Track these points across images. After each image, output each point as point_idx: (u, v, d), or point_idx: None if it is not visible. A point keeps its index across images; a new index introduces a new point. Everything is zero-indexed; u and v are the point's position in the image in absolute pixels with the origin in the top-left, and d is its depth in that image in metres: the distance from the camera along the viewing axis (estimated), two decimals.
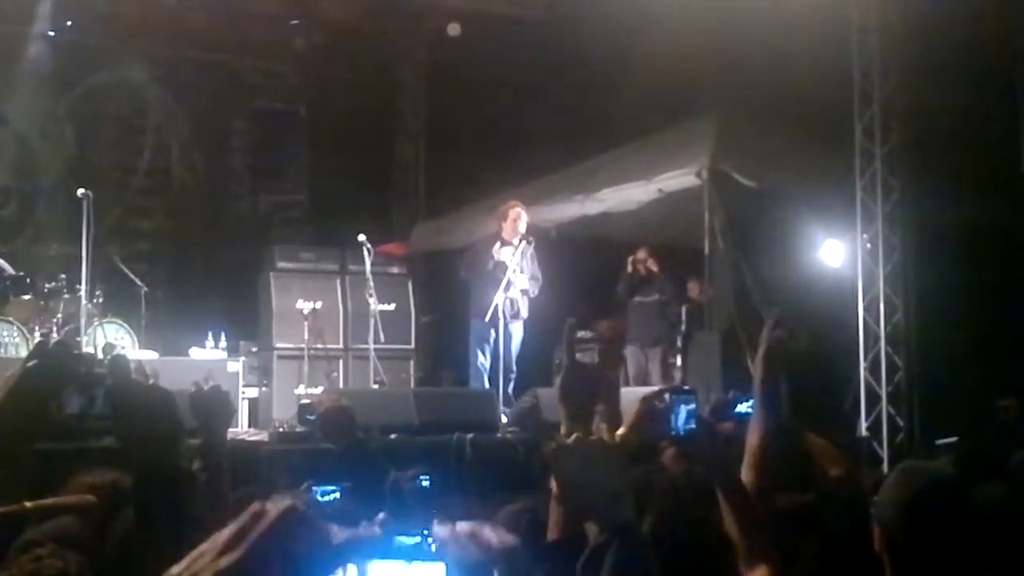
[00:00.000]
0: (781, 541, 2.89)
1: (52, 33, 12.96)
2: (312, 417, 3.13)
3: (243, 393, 10.59)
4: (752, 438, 3.16)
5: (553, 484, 2.27)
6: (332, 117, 14.77)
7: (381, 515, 1.86)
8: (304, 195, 15.24)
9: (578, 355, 2.97)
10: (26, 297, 10.90)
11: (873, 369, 11.09)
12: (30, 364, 2.19)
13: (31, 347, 10.30)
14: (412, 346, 12.12)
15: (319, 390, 10.78)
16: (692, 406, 2.75)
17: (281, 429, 9.16)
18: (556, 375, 12.39)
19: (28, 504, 3.81)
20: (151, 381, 2.09)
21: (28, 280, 10.99)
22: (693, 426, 2.76)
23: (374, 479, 3.48)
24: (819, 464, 4.86)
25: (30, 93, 13.09)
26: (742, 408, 3.24)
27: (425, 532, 1.94)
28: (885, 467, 10.06)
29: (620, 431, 2.70)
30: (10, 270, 10.90)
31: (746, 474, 3.01)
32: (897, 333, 11.15)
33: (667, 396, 2.77)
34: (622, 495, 2.17)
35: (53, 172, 13.43)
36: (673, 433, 2.76)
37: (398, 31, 14.67)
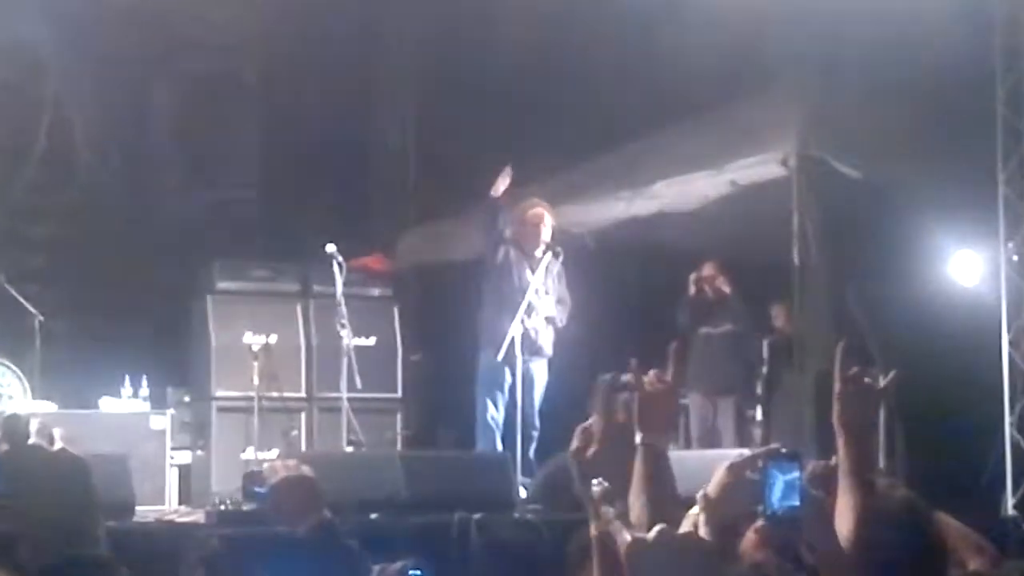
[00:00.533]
0: None
1: None
2: (261, 490, 3.11)
3: (171, 458, 10.62)
4: (844, 522, 3.18)
5: None
6: (291, 86, 14.81)
7: None
8: (253, 191, 15.27)
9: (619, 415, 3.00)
10: None
11: (1022, 424, 11.03)
12: None
13: None
14: (399, 394, 12.15)
15: (273, 453, 10.78)
16: (794, 474, 2.75)
17: (223, 507, 9.16)
18: None
19: None
20: (59, 446, 2.10)
21: None
22: (795, 503, 2.75)
23: (346, 574, 3.47)
24: (954, 555, 4.81)
25: None
26: None
27: None
28: None
29: (693, 511, 2.71)
30: None
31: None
32: None
33: (760, 463, 2.77)
34: None
35: None
36: (768, 512, 2.76)
37: None
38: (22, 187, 14.02)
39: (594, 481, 2.64)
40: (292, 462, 3.57)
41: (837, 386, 3.34)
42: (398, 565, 3.84)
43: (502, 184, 10.69)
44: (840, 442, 3.33)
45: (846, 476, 3.29)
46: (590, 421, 2.98)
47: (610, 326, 12.17)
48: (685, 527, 2.75)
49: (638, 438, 3.16)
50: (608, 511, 2.44)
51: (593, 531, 2.77)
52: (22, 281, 12.58)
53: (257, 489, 3.41)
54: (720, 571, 2.22)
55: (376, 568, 4.21)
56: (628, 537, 2.19)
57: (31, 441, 2.21)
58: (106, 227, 14.23)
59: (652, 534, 2.22)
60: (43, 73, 14.10)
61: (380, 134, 15.65)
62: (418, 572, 3.66)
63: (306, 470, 3.54)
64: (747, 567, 3.30)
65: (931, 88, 11.22)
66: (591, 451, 2.81)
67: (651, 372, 3.25)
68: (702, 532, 2.69)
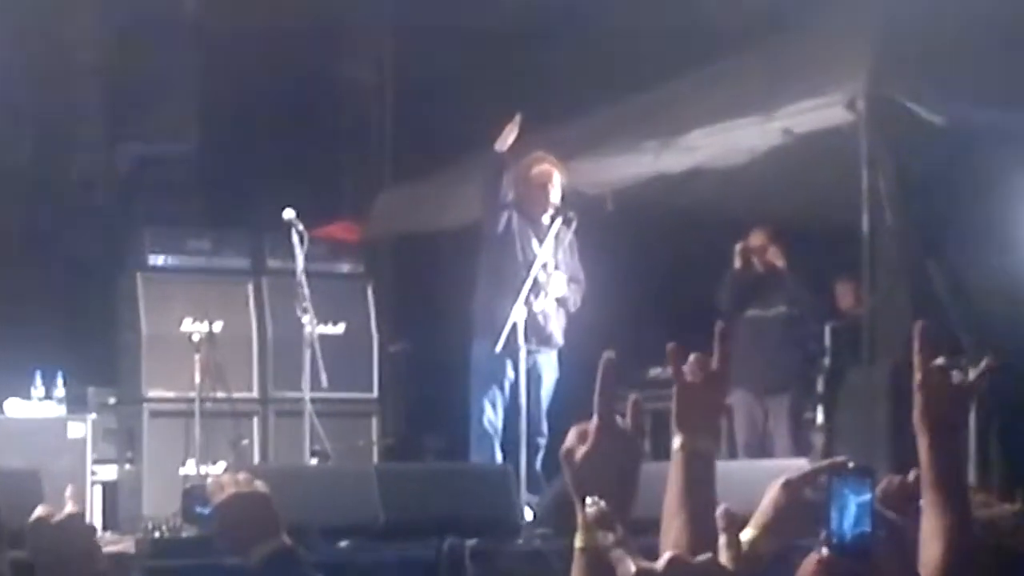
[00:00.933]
0: None
1: None
2: (205, 511, 3.08)
3: (94, 473, 10.67)
4: (933, 545, 3.19)
5: None
6: (237, 18, 14.82)
7: None
8: (191, 144, 15.31)
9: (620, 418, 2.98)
10: None
11: None
12: None
13: None
14: (374, 394, 12.22)
15: (219, 467, 10.84)
16: (866, 495, 2.74)
17: (156, 533, 9.16)
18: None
19: None
20: None
21: None
22: (867, 529, 2.74)
23: None
24: None
25: None
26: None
27: None
28: None
29: (746, 535, 2.69)
30: None
31: None
32: None
33: (824, 479, 2.75)
34: None
35: None
36: (834, 541, 2.75)
37: None
38: None
39: (588, 500, 2.62)
40: (243, 476, 3.55)
41: (918, 378, 3.30)
42: None
43: (509, 136, 10.67)
44: (923, 448, 3.30)
45: (931, 490, 3.27)
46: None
47: (634, 309, 12.21)
48: (724, 555, 2.73)
49: (677, 441, 3.15)
50: (606, 537, 2.42)
51: (579, 543, 2.77)
52: None
53: (199, 509, 3.39)
54: None
55: None
56: (632, 568, 2.17)
57: None
58: (11, 191, 14.27)
59: (661, 563, 2.20)
60: None
61: (349, 72, 15.71)
62: None
63: (260, 485, 3.53)
64: None
65: None
66: (580, 452, 2.79)
67: (692, 358, 3.24)
68: (727, 560, 2.68)
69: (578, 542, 2.74)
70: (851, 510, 2.72)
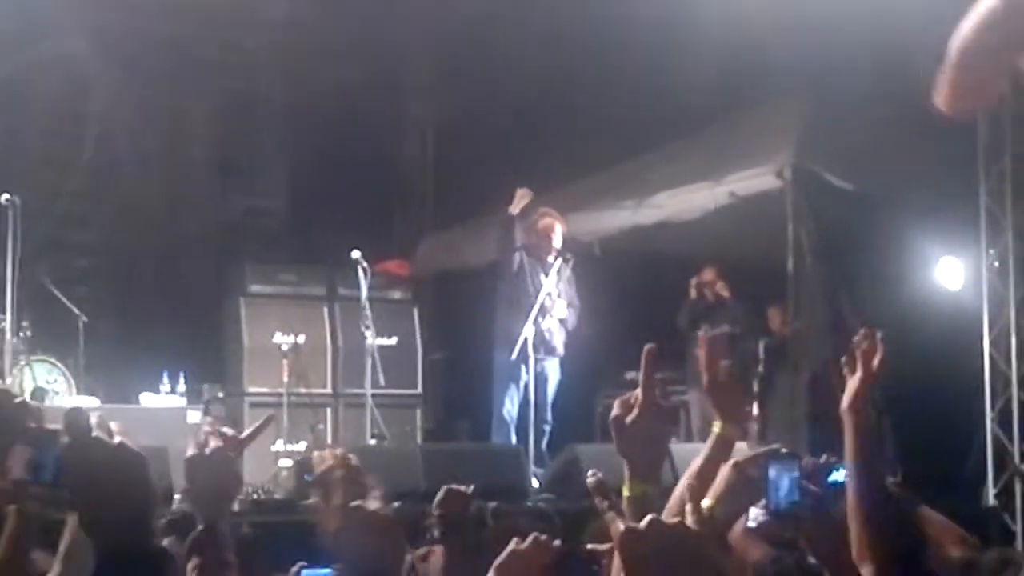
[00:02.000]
0: None
1: None
2: (310, 478, 3.12)
3: (208, 450, 10.60)
4: (855, 514, 3.19)
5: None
6: (316, 102, 14.82)
7: None
8: (282, 199, 15.30)
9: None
10: None
11: (1003, 420, 11.02)
12: None
13: None
14: (419, 390, 12.20)
15: (301, 446, 10.85)
16: (795, 474, 2.77)
17: (255, 495, 9.18)
18: (603, 424, 12.39)
19: None
20: (117, 440, 2.10)
21: None
22: (796, 499, 2.76)
23: (380, 557, 3.47)
24: (936, 545, 4.84)
25: None
26: (838, 476, 3.27)
27: None
28: (1020, 543, 10.02)
29: (705, 503, 2.70)
30: None
31: (864, 566, 3.03)
32: None
33: (763, 462, 2.77)
34: None
35: None
36: (772, 508, 2.77)
37: None
38: (70, 195, 14.06)
39: (589, 472, 2.62)
40: (340, 451, 3.54)
41: (861, 371, 3.39)
42: (294, 569, 3.81)
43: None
44: (848, 426, 3.34)
45: (851, 462, 3.30)
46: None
47: (615, 328, 12.19)
48: (690, 519, 2.71)
49: (717, 427, 3.14)
50: (602, 503, 2.43)
51: (626, 493, 2.71)
52: (69, 283, 12.66)
53: (306, 476, 3.41)
54: (714, 563, 2.19)
55: (412, 556, 4.28)
56: (622, 527, 2.19)
57: (93, 435, 2.23)
58: (146, 233, 14.27)
59: (644, 523, 2.20)
60: (88, 91, 14.13)
61: (401, 147, 15.71)
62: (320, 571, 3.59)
63: (352, 459, 3.53)
64: (747, 563, 3.30)
65: (917, 108, 11.15)
66: (627, 420, 2.77)
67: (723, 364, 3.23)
68: (692, 523, 2.66)
69: (626, 492, 2.72)
70: (784, 484, 2.75)
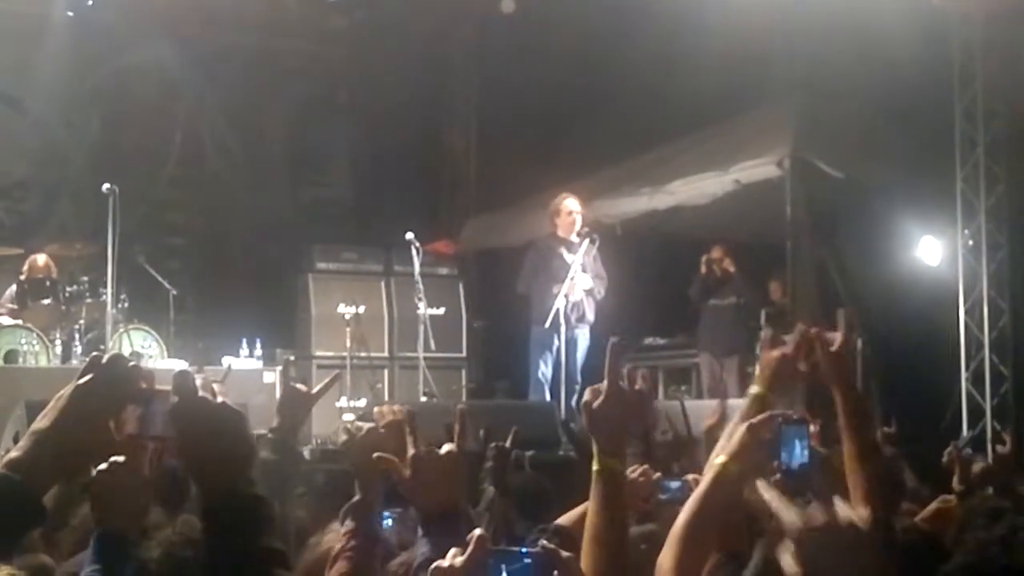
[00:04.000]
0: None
1: (71, 13, 13.09)
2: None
3: None
4: (855, 466, 3.16)
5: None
6: (375, 103, 14.81)
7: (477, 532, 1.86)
8: (345, 188, 15.33)
9: (640, 373, 2.92)
10: (46, 302, 11.01)
11: (976, 380, 10.96)
12: (83, 381, 2.22)
13: (52, 355, 10.49)
14: (464, 354, 12.16)
15: (362, 403, 10.87)
16: (805, 438, 2.70)
17: (324, 446, 9.20)
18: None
19: None
20: (220, 400, 2.10)
21: (48, 283, 11.14)
22: (806, 460, 2.70)
23: (449, 496, 3.44)
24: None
25: (51, 78, 13.24)
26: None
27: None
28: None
29: (719, 460, 2.65)
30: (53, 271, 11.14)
31: (860, 508, 2.99)
32: (1003, 340, 10.99)
33: (775, 424, 2.70)
34: None
35: (77, 163, 13.57)
36: (784, 468, 2.70)
37: (446, 7, 14.63)
38: (163, 182, 14.13)
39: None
40: (398, 407, 3.50)
41: (837, 346, 3.31)
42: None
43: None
44: (838, 396, 3.28)
45: (849, 424, 3.26)
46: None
47: (635, 299, 12.17)
48: (705, 475, 2.69)
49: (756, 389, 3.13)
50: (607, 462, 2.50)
51: (595, 466, 2.69)
52: (162, 260, 12.70)
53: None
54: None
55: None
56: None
57: (199, 395, 2.23)
58: (229, 216, 14.33)
59: (820, 522, 2.05)
60: (176, 93, 14.19)
61: (447, 142, 15.67)
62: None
63: (409, 412, 3.49)
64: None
65: (901, 103, 11.14)
66: (594, 405, 2.76)
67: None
68: (709, 478, 2.65)
69: (595, 465, 2.70)
70: (795, 447, 2.69)
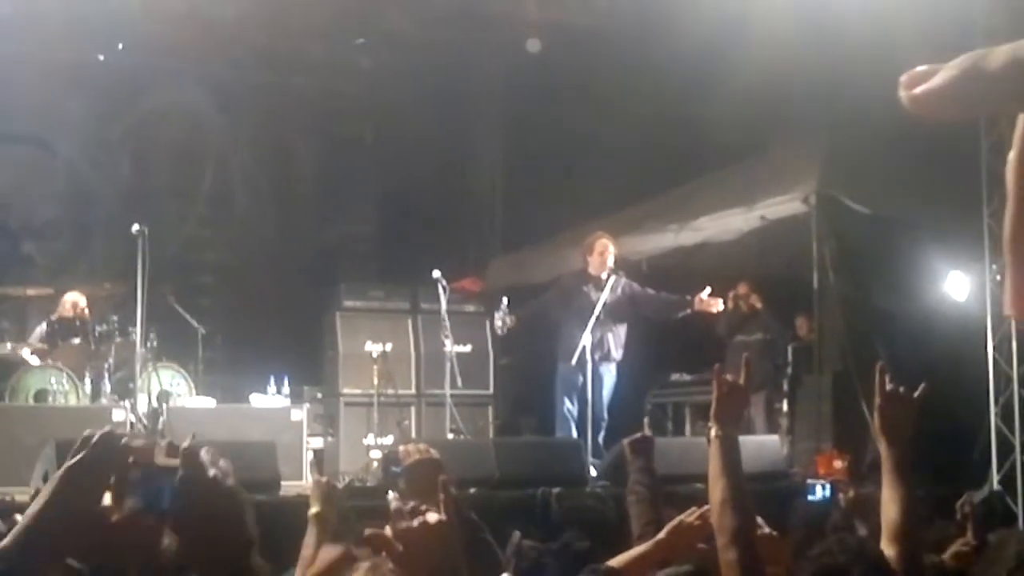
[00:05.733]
0: None
1: (102, 57, 13.24)
2: (397, 469, 3.06)
3: (308, 443, 10.58)
4: (891, 509, 3.18)
5: None
6: (401, 142, 14.90)
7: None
8: (372, 226, 15.39)
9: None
10: (75, 341, 11.10)
11: (1005, 415, 10.87)
12: (72, 461, 2.16)
13: (81, 394, 10.54)
14: (491, 391, 12.09)
15: (389, 439, 10.86)
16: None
17: (352, 484, 9.19)
18: (652, 420, 12.32)
19: None
20: (231, 482, 2.03)
21: (78, 323, 11.23)
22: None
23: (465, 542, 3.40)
24: None
25: (81, 121, 13.38)
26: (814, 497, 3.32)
27: None
28: (1021, 523, 9.87)
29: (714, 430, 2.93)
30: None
31: (888, 546, 3.01)
32: None
33: None
34: None
35: (107, 203, 13.70)
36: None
37: (471, 49, 14.71)
38: (193, 222, 14.24)
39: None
40: (423, 446, 3.46)
41: (878, 400, 3.28)
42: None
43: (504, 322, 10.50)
44: (883, 447, 3.27)
45: (890, 474, 3.24)
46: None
47: (661, 335, 12.15)
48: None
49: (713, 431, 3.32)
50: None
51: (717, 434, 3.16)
52: (194, 296, 12.79)
53: (394, 468, 3.36)
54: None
55: (518, 538, 4.28)
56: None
57: (210, 473, 2.18)
58: (258, 255, 14.44)
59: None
60: (204, 133, 14.31)
61: (473, 182, 15.75)
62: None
63: (434, 453, 3.47)
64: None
65: (928, 138, 11.11)
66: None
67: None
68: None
69: (716, 432, 3.24)
70: None
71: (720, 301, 10.39)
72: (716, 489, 3.09)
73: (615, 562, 3.57)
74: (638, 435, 5.12)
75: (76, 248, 13.64)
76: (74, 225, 13.75)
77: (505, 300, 10.49)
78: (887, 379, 3.23)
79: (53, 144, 13.56)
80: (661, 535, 3.69)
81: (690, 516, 3.77)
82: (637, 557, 3.56)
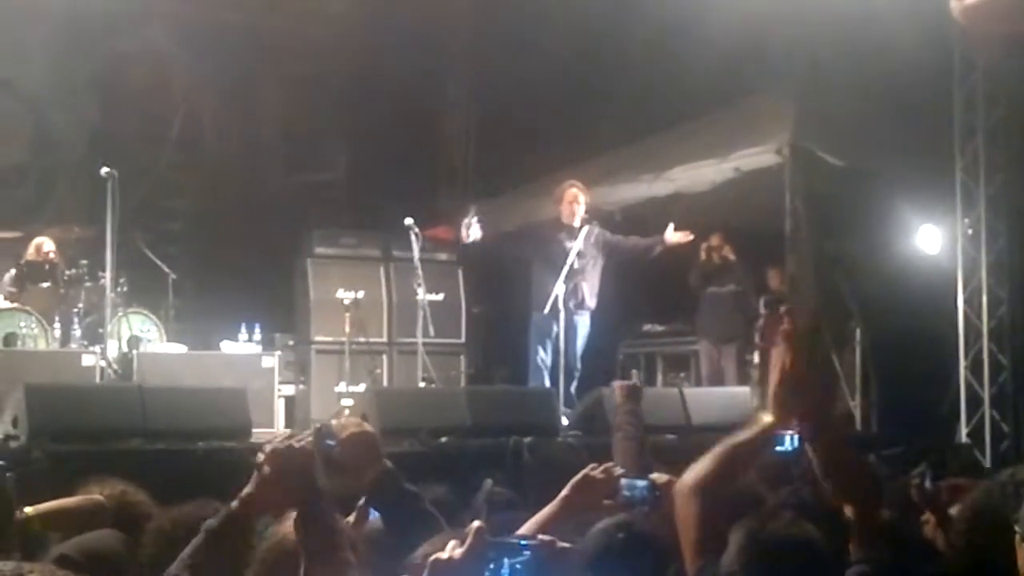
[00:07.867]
0: None
1: None
2: (332, 443, 3.00)
3: (279, 391, 10.60)
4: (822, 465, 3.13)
5: None
6: (372, 87, 14.83)
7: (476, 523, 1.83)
8: (343, 173, 15.33)
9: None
10: (44, 285, 11.07)
11: (975, 368, 11.01)
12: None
13: (50, 339, 10.53)
14: (463, 340, 12.11)
15: (361, 387, 10.89)
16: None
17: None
18: (624, 370, 12.37)
19: (28, 509, 3.90)
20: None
21: (47, 267, 11.19)
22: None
23: (405, 513, 3.39)
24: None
25: (46, 63, 13.24)
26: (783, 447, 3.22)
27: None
28: None
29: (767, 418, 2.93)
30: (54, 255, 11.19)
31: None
32: (1001, 328, 11.05)
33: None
34: None
35: (74, 147, 13.61)
36: None
37: None
38: (161, 167, 14.16)
39: None
40: (356, 420, 3.51)
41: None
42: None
43: (468, 231, 10.58)
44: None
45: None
46: None
47: (635, 286, 12.20)
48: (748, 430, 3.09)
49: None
50: None
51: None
52: (161, 243, 12.75)
53: (328, 442, 3.34)
54: None
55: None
56: None
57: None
58: (228, 200, 14.37)
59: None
60: (173, 76, 14.20)
61: (445, 127, 15.70)
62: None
63: (368, 427, 3.47)
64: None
65: (901, 91, 11.18)
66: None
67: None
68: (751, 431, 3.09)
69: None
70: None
71: (689, 233, 10.44)
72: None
73: (524, 529, 3.49)
74: (630, 382, 5.16)
75: (42, 192, 13.56)
76: (41, 169, 13.66)
77: (473, 209, 10.50)
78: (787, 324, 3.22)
79: (17, 88, 13.42)
80: (565, 491, 3.66)
81: (594, 470, 3.76)
82: (548, 518, 3.54)
